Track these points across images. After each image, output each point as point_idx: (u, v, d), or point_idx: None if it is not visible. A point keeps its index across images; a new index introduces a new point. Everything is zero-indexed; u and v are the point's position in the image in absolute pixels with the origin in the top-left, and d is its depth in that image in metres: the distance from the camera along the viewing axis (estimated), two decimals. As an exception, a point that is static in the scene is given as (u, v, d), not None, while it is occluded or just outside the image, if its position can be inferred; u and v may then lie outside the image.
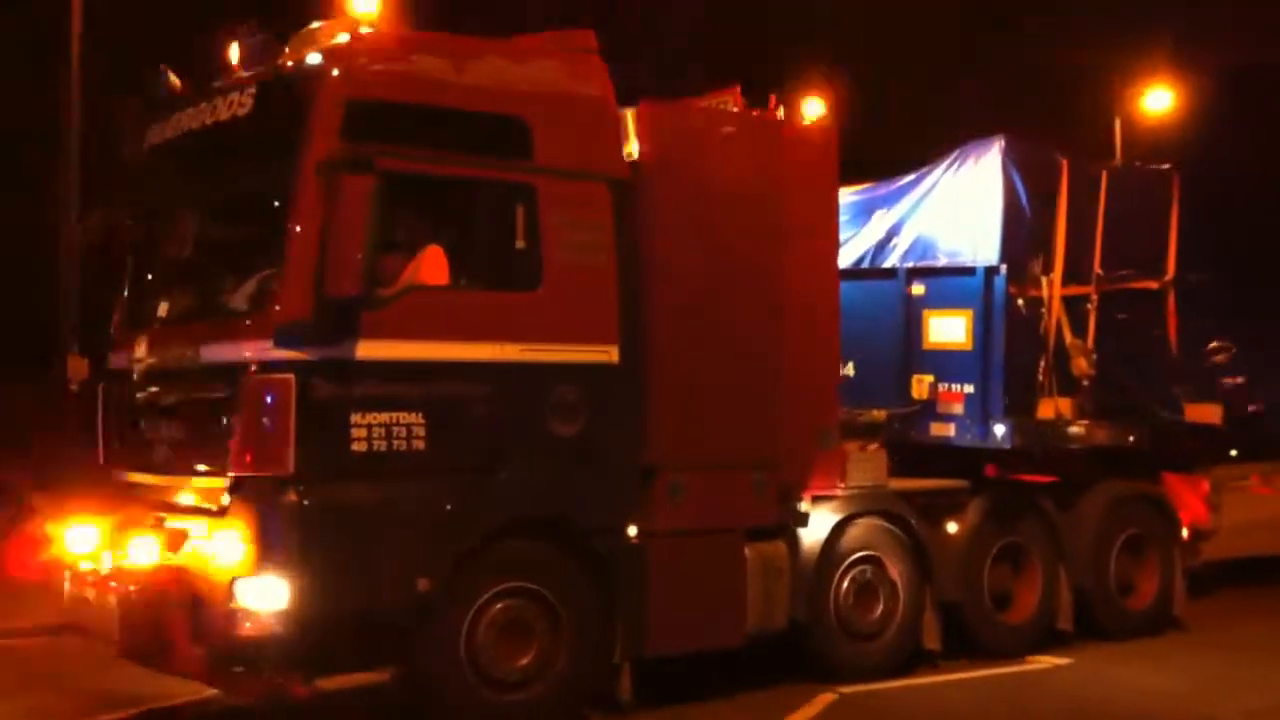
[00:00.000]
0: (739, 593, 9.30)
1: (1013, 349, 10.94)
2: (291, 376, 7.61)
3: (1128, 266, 11.91)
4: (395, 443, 7.87)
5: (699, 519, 9.13)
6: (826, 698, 9.66)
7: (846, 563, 10.01)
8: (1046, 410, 11.27)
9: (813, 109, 10.11)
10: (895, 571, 10.22)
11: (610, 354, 8.71)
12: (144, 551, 8.09)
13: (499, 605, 8.27)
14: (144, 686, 8.98)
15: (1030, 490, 11.27)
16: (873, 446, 10.38)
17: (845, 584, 9.99)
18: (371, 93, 7.94)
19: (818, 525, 9.85)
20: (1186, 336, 12.27)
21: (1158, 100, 26.45)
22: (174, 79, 8.72)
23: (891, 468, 10.60)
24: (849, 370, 11.40)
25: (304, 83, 7.89)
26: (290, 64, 8.05)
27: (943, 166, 11.26)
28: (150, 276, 8.98)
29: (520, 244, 8.42)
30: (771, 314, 9.54)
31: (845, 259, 11.58)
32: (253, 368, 7.65)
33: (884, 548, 10.20)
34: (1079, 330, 11.54)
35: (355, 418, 7.76)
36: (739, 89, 10.01)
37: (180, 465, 8.19)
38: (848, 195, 11.72)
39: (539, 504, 8.42)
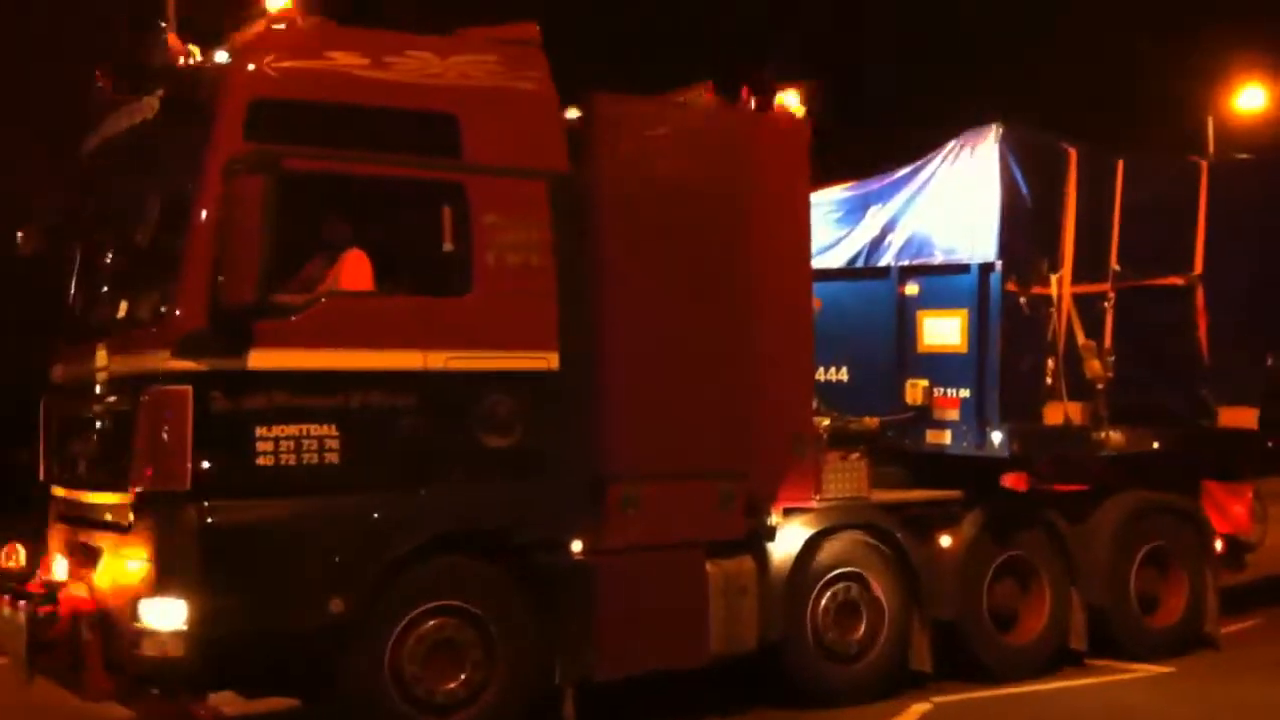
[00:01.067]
0: (700, 612, 8.77)
1: (1012, 351, 10.25)
2: (189, 389, 7.28)
3: (1151, 262, 11.18)
4: (305, 457, 7.50)
5: (655, 533, 8.63)
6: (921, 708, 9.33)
7: (824, 579, 9.41)
8: (1054, 416, 10.56)
9: (788, 101, 9.53)
10: (880, 588, 9.60)
11: (549, 361, 8.24)
12: (58, 569, 7.86)
13: (426, 625, 7.85)
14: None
15: (1035, 502, 10.58)
16: (854, 455, 9.78)
17: (824, 602, 9.39)
18: (280, 91, 7.59)
19: (790, 539, 9.28)
20: (1220, 336, 11.50)
21: (1251, 99, 25.55)
22: (108, 83, 8.49)
23: (875, 477, 9.95)
24: (842, 375, 10.85)
25: (209, 82, 7.59)
26: (197, 64, 7.76)
27: (938, 158, 10.59)
28: (83, 287, 8.77)
29: (448, 246, 8.04)
30: (736, 317, 9.02)
31: (839, 258, 11.04)
32: (151, 380, 7.37)
33: (866, 563, 9.59)
34: (1094, 330, 10.83)
35: (260, 431, 7.40)
36: (711, 84, 9.56)
37: (94, 480, 7.93)
38: (842, 192, 11.18)
39: (467, 520, 7.98)
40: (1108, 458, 10.92)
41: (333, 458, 7.57)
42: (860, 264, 10.84)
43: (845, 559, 9.51)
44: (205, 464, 7.26)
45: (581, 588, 8.27)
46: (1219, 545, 11.56)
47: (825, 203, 11.12)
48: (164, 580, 7.24)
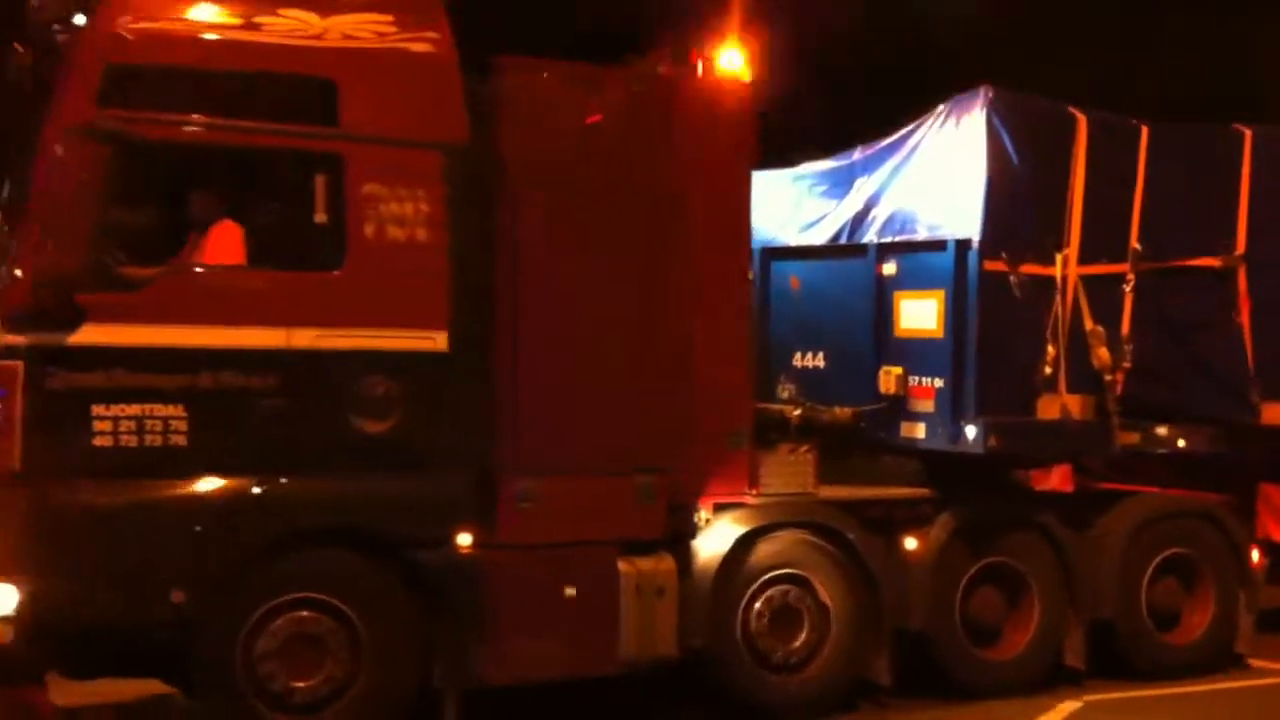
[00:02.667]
0: (609, 614, 8.14)
1: (995, 336, 9.26)
2: (19, 364, 6.97)
3: (1182, 242, 10.07)
4: (148, 439, 7.15)
5: (558, 530, 8.04)
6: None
7: (759, 582, 8.67)
8: (1049, 409, 9.54)
9: (728, 63, 8.75)
10: (826, 594, 8.81)
11: (435, 341, 7.72)
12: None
13: (282, 619, 7.44)
14: None
15: (1024, 503, 9.63)
16: (801, 449, 9.01)
17: (758, 606, 8.67)
18: (137, 56, 7.20)
19: (719, 538, 8.58)
20: (1266, 324, 10.30)
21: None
22: (22, 53, 8.26)
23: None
24: (819, 361, 10.05)
25: (64, 47, 7.27)
26: (58, 27, 7.44)
27: (925, 126, 9.64)
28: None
29: (323, 218, 7.54)
30: (659, 301, 8.35)
31: (822, 235, 10.19)
32: (-12, 354, 7.11)
33: (811, 565, 8.81)
34: (1107, 316, 9.80)
35: (98, 410, 7.05)
36: (670, 47, 8.87)
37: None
38: (827, 163, 10.31)
39: (332, 511, 7.52)
40: (1157, 456, 10.00)
41: (180, 440, 7.19)
42: (843, 241, 10.01)
43: (785, 560, 8.74)
44: (38, 443, 6.97)
45: (466, 586, 7.73)
46: (1256, 555, 10.45)
47: (809, 175, 10.31)
48: (-4, 563, 7.02)
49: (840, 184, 10.10)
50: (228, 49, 7.39)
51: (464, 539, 7.78)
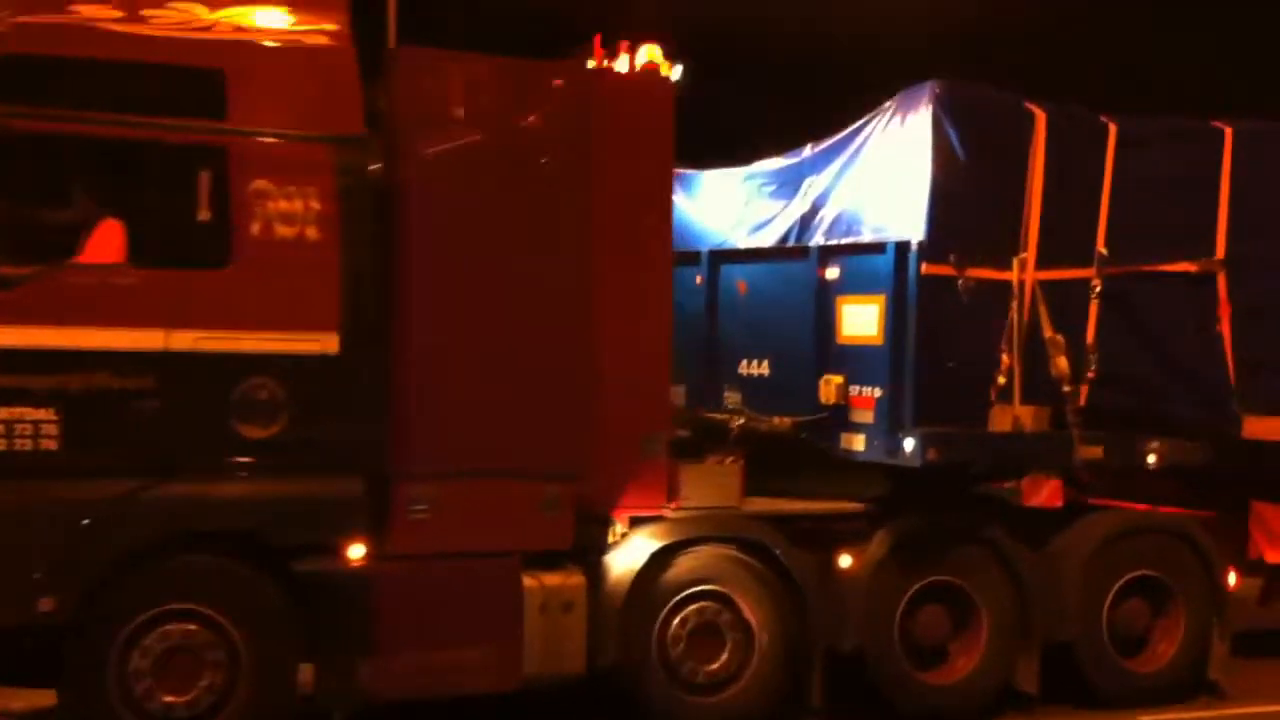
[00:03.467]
0: (510, 629, 7.85)
1: (936, 344, 8.79)
2: None
3: (1155, 245, 9.54)
4: (17, 442, 6.98)
5: (455, 539, 7.76)
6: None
7: (677, 598, 8.30)
8: (1001, 421, 9.10)
9: (649, 58, 8.38)
10: (750, 612, 8.42)
11: (325, 343, 7.45)
12: None
13: (159, 630, 7.20)
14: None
15: (972, 518, 9.16)
16: (727, 459, 8.62)
17: (674, 624, 8.29)
18: (15, 47, 7.01)
19: (634, 552, 8.23)
20: (1247, 331, 9.74)
21: None
22: None
23: (743, 483, 8.63)
24: (764, 369, 9.65)
25: None
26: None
27: (873, 122, 9.22)
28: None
29: (206, 215, 7.34)
30: (568, 302, 8.03)
31: (771, 237, 9.80)
32: None
33: (733, 582, 8.42)
34: (1068, 323, 9.30)
35: None
36: (598, 38, 8.56)
37: None
38: (777, 161, 9.90)
39: (210, 518, 7.29)
40: (1150, 471, 9.48)
41: (50, 444, 6.99)
42: (791, 243, 9.60)
43: (704, 575, 8.36)
44: None
45: (352, 598, 7.46)
46: (1233, 577, 9.89)
47: (760, 174, 9.93)
48: None
49: (789, 184, 9.70)
50: (112, 41, 7.19)
51: (354, 548, 7.53)
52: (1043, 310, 9.22)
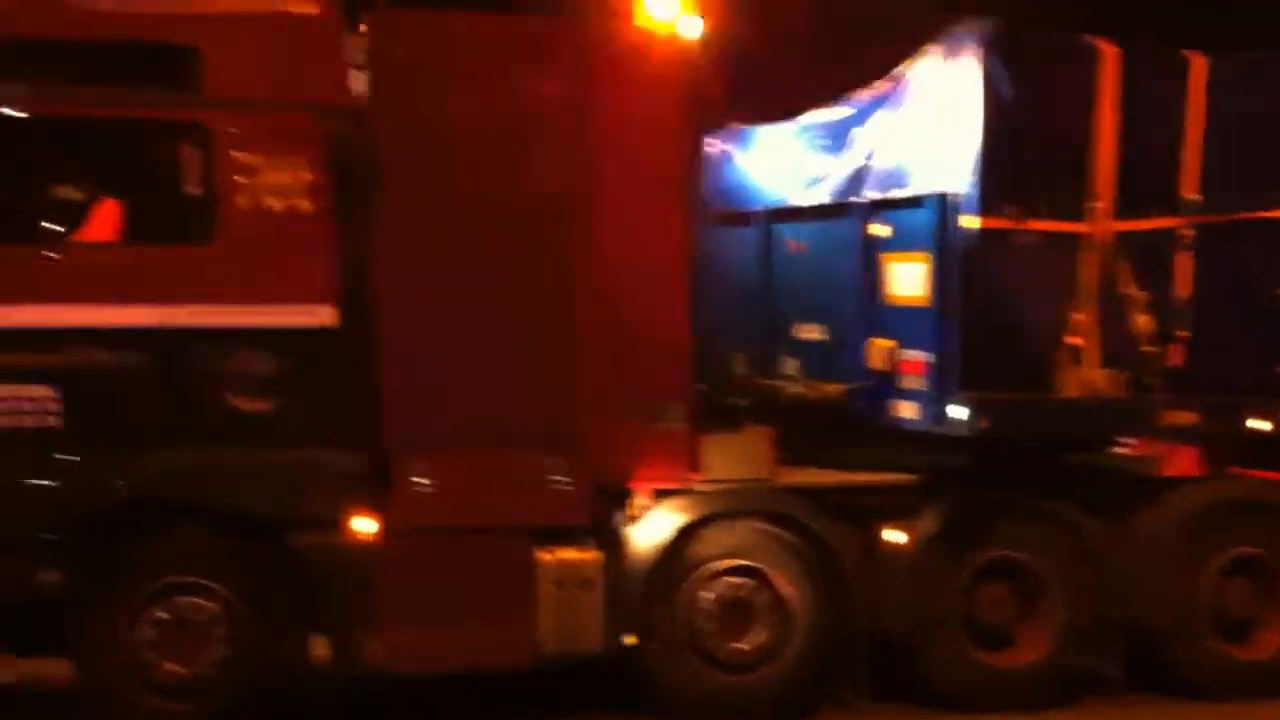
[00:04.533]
0: (522, 605, 7.58)
1: (989, 303, 8.13)
2: None
3: (1254, 189, 8.67)
4: (18, 419, 7.03)
5: (460, 513, 7.53)
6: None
7: (704, 574, 7.90)
8: (1071, 385, 8.40)
9: (660, 10, 7.97)
10: (787, 588, 7.97)
11: (321, 315, 7.32)
12: None
13: (165, 601, 7.22)
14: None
15: (1038, 488, 8.44)
16: (756, 429, 8.15)
17: (702, 600, 7.91)
18: None
19: (656, 527, 7.87)
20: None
21: None
22: None
23: (774, 453, 8.12)
24: (817, 334, 9.14)
25: None
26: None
27: (917, 66, 8.58)
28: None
29: (193, 190, 7.28)
30: (571, 267, 7.70)
31: (823, 193, 9.25)
32: None
33: (767, 557, 7.97)
34: (1150, 278, 8.53)
35: None
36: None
37: None
38: (830, 113, 9.31)
39: (209, 492, 7.23)
40: (1251, 439, 8.68)
41: (49, 420, 7.05)
42: (841, 200, 9.05)
43: (735, 550, 7.93)
44: None
45: (354, 572, 7.35)
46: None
47: (812, 128, 9.34)
48: None
49: (840, 136, 9.07)
50: (89, 19, 7.19)
51: (357, 522, 7.41)
52: (1122, 264, 8.50)
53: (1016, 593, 8.40)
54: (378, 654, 7.48)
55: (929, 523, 8.21)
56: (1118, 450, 8.96)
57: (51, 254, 7.15)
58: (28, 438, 7.08)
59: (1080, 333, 8.45)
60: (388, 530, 7.48)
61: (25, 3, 7.21)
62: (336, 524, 7.39)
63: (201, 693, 7.27)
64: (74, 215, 7.26)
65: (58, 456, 7.10)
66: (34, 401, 7.08)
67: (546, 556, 7.70)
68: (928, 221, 8.20)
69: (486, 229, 7.62)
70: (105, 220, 7.26)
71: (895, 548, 8.19)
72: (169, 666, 7.25)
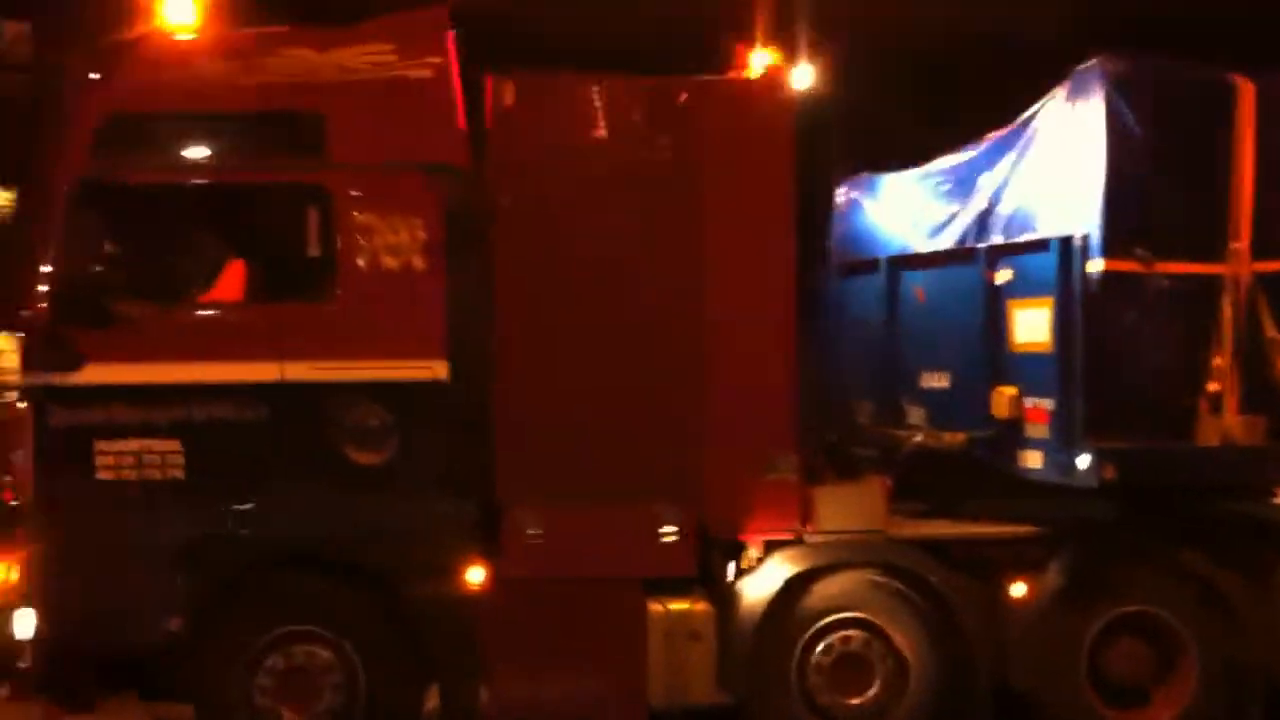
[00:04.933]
0: (633, 658, 7.63)
1: (1116, 348, 7.87)
2: (32, 404, 7.40)
3: None
4: (146, 472, 7.38)
5: (570, 564, 7.62)
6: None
7: (817, 627, 7.80)
8: (1208, 433, 8.04)
9: (760, 63, 7.92)
10: (903, 642, 7.82)
11: (434, 370, 7.51)
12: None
13: (282, 651, 7.45)
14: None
15: (1173, 540, 8.07)
16: (869, 480, 8.01)
17: (815, 653, 7.80)
18: (132, 105, 7.44)
19: (767, 578, 7.80)
20: None
21: None
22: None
23: (888, 504, 7.95)
24: (943, 381, 8.95)
25: (68, 96, 7.69)
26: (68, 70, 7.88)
27: (1043, 108, 8.37)
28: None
29: (315, 250, 7.55)
30: (681, 322, 7.76)
31: (948, 239, 9.08)
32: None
33: (882, 610, 7.82)
34: (1298, 321, 8.15)
35: (101, 445, 7.34)
36: (738, 46, 8.27)
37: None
38: (954, 158, 9.18)
39: (324, 543, 7.44)
40: None
41: (175, 473, 7.38)
42: (965, 246, 8.85)
43: (849, 603, 7.82)
44: (49, 479, 7.39)
45: (465, 621, 7.49)
46: None
47: (935, 173, 9.25)
48: (19, 591, 7.50)
49: (965, 181, 8.96)
50: (222, 91, 7.55)
51: (468, 573, 7.56)
52: (1263, 306, 8.13)
53: (1150, 649, 8.10)
54: (488, 705, 7.62)
55: (1056, 576, 7.97)
56: (1262, 500, 8.58)
57: (181, 313, 7.56)
58: (154, 490, 7.44)
59: (1218, 378, 8.15)
60: (498, 579, 7.63)
61: (169, 80, 7.56)
62: (449, 573, 7.55)
63: None
64: (204, 277, 7.67)
65: (182, 508, 7.43)
66: (161, 455, 7.46)
67: (657, 607, 7.74)
68: (1051, 265, 8.00)
69: (600, 284, 7.75)
70: (231, 280, 7.63)
71: (1019, 602, 7.96)
72: (286, 714, 7.50)
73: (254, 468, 7.49)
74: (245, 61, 7.65)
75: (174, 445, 7.47)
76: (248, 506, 7.46)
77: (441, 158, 7.63)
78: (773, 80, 7.94)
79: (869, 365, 9.36)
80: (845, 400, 9.37)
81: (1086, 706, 7.99)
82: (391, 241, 7.59)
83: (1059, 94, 8.31)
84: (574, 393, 7.73)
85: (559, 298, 7.76)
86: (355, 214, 7.55)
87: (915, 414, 9.08)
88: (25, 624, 7.46)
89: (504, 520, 7.66)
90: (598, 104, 7.80)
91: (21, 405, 7.63)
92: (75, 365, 7.41)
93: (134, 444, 7.44)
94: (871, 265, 9.45)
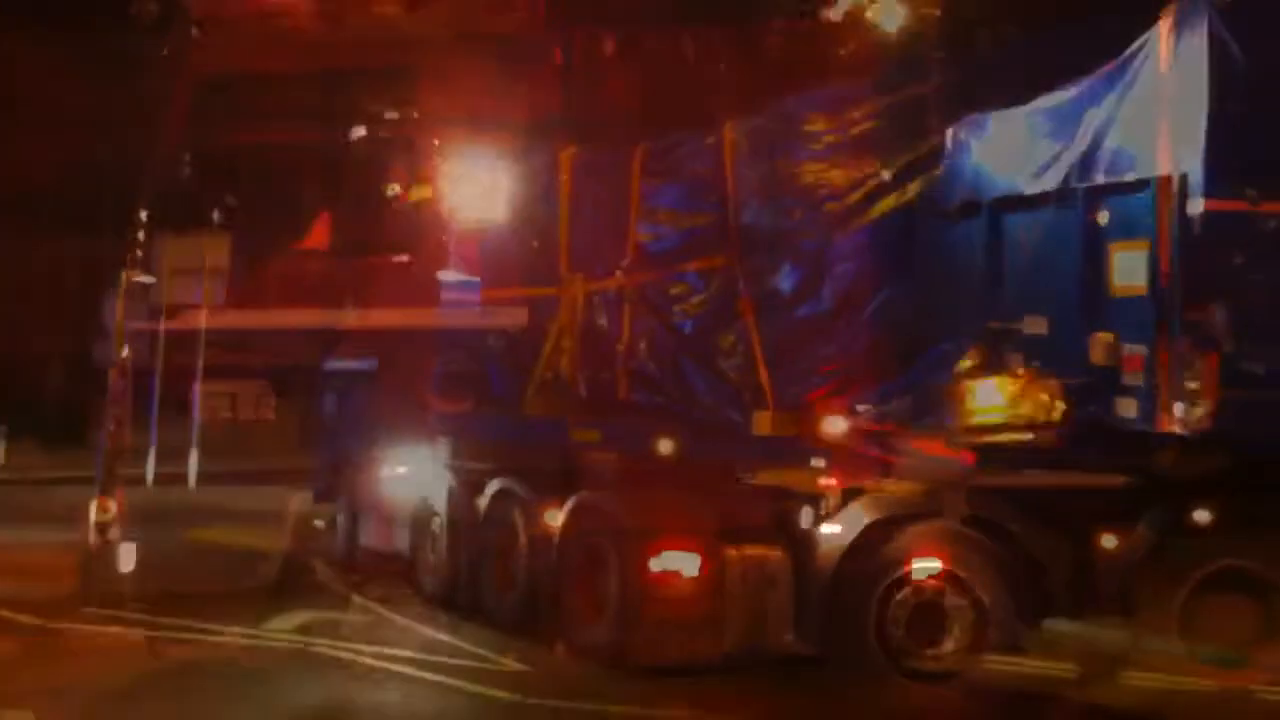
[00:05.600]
0: (711, 602, 7.65)
1: (1221, 291, 7.49)
2: None
3: None
4: None
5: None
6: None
7: (895, 577, 7.71)
8: (1322, 384, 7.59)
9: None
10: (985, 593, 7.64)
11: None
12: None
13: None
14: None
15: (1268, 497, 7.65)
16: (943, 428, 7.78)
17: (894, 603, 7.71)
18: None
19: (844, 526, 7.71)
20: None
21: None
22: None
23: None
24: (1042, 328, 8.61)
25: None
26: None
27: (1147, 42, 7.93)
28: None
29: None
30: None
31: (1053, 180, 8.66)
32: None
33: (961, 561, 7.67)
34: None
35: None
36: None
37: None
38: (1059, 96, 8.64)
39: None
40: None
41: None
42: (1071, 186, 8.47)
43: (927, 553, 7.70)
44: None
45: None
46: None
47: (1040, 111, 8.70)
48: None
49: (1070, 119, 8.46)
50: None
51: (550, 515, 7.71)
52: (1377, 248, 7.64)
53: (1248, 606, 7.77)
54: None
55: (1144, 529, 7.71)
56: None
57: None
58: None
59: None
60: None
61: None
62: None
63: None
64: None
65: None
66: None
67: (733, 553, 7.75)
68: (1148, 206, 7.66)
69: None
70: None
71: (1107, 554, 7.73)
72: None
73: None
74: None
75: None
76: None
77: None
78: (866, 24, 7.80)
79: (971, 310, 9.09)
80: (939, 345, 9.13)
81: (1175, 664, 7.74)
82: None
83: (1163, 25, 7.92)
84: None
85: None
86: None
87: (1016, 360, 8.81)
88: (129, 557, 7.91)
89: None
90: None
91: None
92: None
93: None
94: (974, 208, 9.18)
